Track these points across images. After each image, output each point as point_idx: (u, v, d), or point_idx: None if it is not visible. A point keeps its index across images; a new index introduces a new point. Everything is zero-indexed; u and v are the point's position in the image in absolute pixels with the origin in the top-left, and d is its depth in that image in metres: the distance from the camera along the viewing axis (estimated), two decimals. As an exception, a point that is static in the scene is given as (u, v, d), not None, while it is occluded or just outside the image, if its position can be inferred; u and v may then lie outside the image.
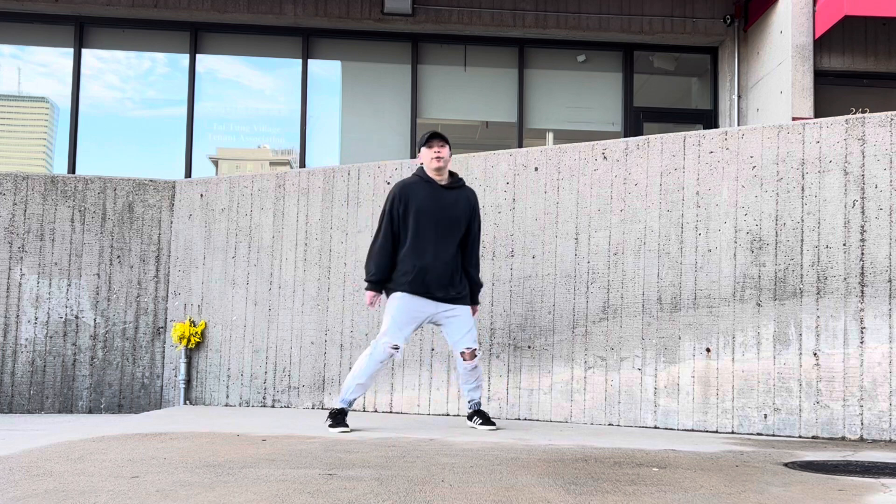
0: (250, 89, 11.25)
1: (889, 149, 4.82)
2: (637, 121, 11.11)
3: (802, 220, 4.99)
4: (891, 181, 4.80)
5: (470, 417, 5.13)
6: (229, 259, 6.83)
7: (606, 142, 5.68)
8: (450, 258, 4.90)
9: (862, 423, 4.71)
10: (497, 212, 5.93)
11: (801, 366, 4.90)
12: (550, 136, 11.27)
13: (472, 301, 5.09)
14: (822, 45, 9.76)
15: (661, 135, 5.52)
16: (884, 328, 4.72)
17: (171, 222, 7.10)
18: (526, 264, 5.76)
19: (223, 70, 11.19)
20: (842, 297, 4.84)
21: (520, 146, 10.72)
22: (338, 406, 4.95)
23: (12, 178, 7.03)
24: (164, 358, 7.02)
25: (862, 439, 4.70)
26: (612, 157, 5.62)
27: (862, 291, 4.80)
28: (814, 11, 9.51)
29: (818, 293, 4.90)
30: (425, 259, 4.84)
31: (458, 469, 3.43)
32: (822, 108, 9.55)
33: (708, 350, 5.18)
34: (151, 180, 7.16)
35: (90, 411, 6.93)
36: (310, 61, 11.01)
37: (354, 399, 4.96)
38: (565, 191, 5.74)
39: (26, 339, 6.90)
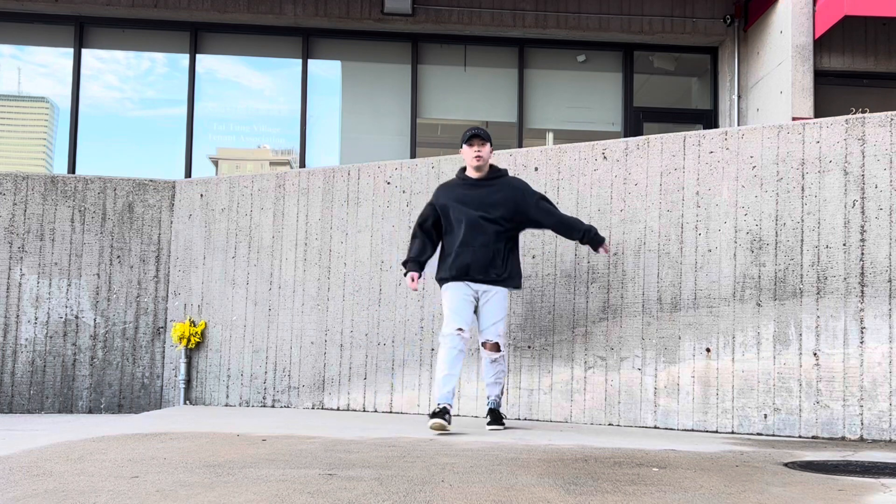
0: (250, 89, 11.25)
1: (889, 149, 4.82)
2: (637, 121, 11.11)
3: (802, 220, 4.99)
4: (891, 181, 4.80)
5: (487, 415, 5.12)
6: (229, 259, 6.83)
7: (606, 142, 5.68)
8: (487, 243, 4.95)
9: (862, 423, 4.71)
10: (497, 212, 5.93)
11: (801, 366, 4.90)
12: (550, 136, 11.27)
13: (597, 238, 5.02)
14: (822, 45, 9.76)
15: (661, 135, 5.52)
16: (884, 328, 4.72)
17: (171, 222, 7.11)
18: (526, 264, 5.76)
19: (223, 70, 11.19)
20: (842, 297, 4.84)
21: (520, 146, 10.72)
22: (436, 407, 4.83)
23: (12, 178, 7.03)
24: (164, 358, 7.02)
25: (862, 439, 4.70)
26: (612, 157, 5.62)
27: (862, 291, 4.80)
28: (814, 11, 9.51)
29: (818, 293, 4.90)
30: (461, 248, 4.96)
31: (458, 469, 3.43)
32: (822, 108, 9.55)
33: (708, 350, 5.18)
34: (151, 180, 7.16)
35: (90, 411, 6.93)
36: (310, 61, 11.01)
37: (449, 392, 4.84)
38: (565, 191, 5.74)
39: (26, 339, 6.90)
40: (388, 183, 6.34)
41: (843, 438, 4.75)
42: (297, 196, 6.65)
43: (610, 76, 11.31)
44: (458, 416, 5.89)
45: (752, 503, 2.84)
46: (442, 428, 4.69)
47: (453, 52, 11.17)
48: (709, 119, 11.14)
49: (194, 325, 6.84)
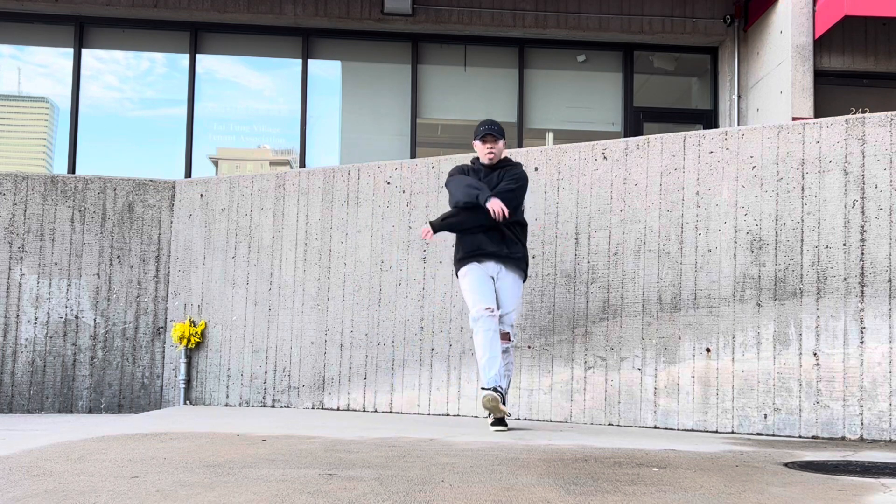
0: (250, 89, 11.25)
1: (889, 149, 4.82)
2: (637, 121, 11.11)
3: (802, 220, 4.99)
4: (891, 181, 4.80)
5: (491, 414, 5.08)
6: (229, 259, 6.83)
7: (606, 142, 5.68)
8: (496, 223, 4.95)
9: (862, 423, 4.71)
10: (497, 212, 5.93)
11: (801, 366, 4.90)
12: (550, 136, 11.27)
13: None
14: (822, 45, 9.76)
15: (661, 135, 5.52)
16: (884, 328, 4.72)
17: (171, 222, 7.10)
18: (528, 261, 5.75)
19: (223, 70, 11.19)
20: (842, 297, 4.84)
21: (520, 146, 10.72)
22: (487, 388, 4.81)
23: (12, 178, 7.03)
24: (164, 358, 7.02)
25: (862, 439, 4.70)
26: (612, 157, 5.62)
27: (862, 291, 4.80)
28: (814, 11, 9.51)
29: (818, 293, 4.90)
30: (475, 230, 5.02)
31: (458, 469, 3.43)
32: (822, 108, 9.55)
33: (708, 350, 5.18)
34: (151, 180, 7.16)
35: (90, 411, 6.93)
36: (310, 61, 11.01)
37: (495, 374, 4.82)
38: (565, 191, 5.74)
39: (26, 339, 6.90)
40: (388, 183, 6.34)
41: (843, 438, 4.75)
42: (297, 196, 6.64)
43: (610, 76, 11.31)
44: (458, 415, 5.89)
45: (752, 503, 2.84)
46: (495, 402, 4.70)
47: (453, 52, 11.17)
48: (709, 119, 11.14)
49: (194, 325, 6.84)
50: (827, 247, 4.91)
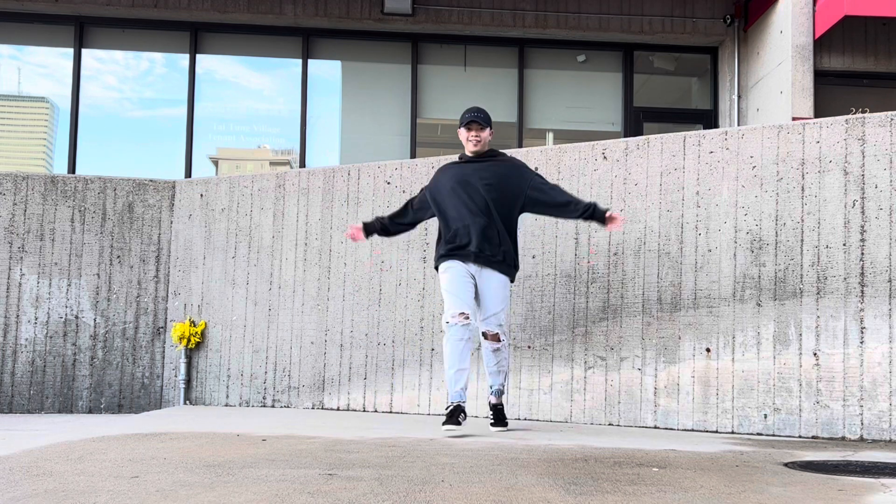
0: (250, 89, 11.25)
1: (889, 149, 4.82)
2: (637, 121, 11.11)
3: (802, 220, 4.99)
4: (891, 181, 4.80)
5: (491, 409, 4.91)
6: (229, 259, 6.83)
7: (606, 142, 5.68)
8: (483, 218, 4.73)
9: (862, 423, 4.71)
10: (497, 212, 5.93)
11: (801, 366, 4.90)
12: (550, 136, 11.27)
13: (595, 211, 4.73)
14: (822, 45, 9.76)
15: (661, 135, 5.52)
16: (884, 328, 4.72)
17: (171, 222, 7.10)
18: (526, 264, 5.75)
19: (223, 70, 11.19)
20: (842, 297, 4.84)
21: (520, 146, 10.73)
22: (449, 404, 4.67)
23: (12, 178, 7.03)
24: (164, 358, 7.02)
25: (862, 439, 4.70)
26: (612, 157, 5.62)
27: (862, 291, 4.80)
28: (814, 11, 9.51)
29: (818, 293, 4.90)
30: (455, 224, 4.79)
31: (458, 469, 3.43)
32: (822, 108, 9.55)
33: (708, 350, 5.18)
34: (151, 180, 7.16)
35: (90, 411, 6.93)
36: (310, 61, 11.01)
37: (461, 388, 4.66)
38: (565, 191, 5.73)
39: (26, 339, 6.90)
40: (388, 183, 6.34)
41: (843, 438, 4.75)
42: (297, 196, 6.65)
43: (610, 76, 11.31)
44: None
45: (752, 503, 2.84)
46: (453, 430, 4.54)
47: (453, 52, 11.17)
48: (709, 119, 11.14)
49: (194, 325, 6.84)
50: (827, 247, 4.91)
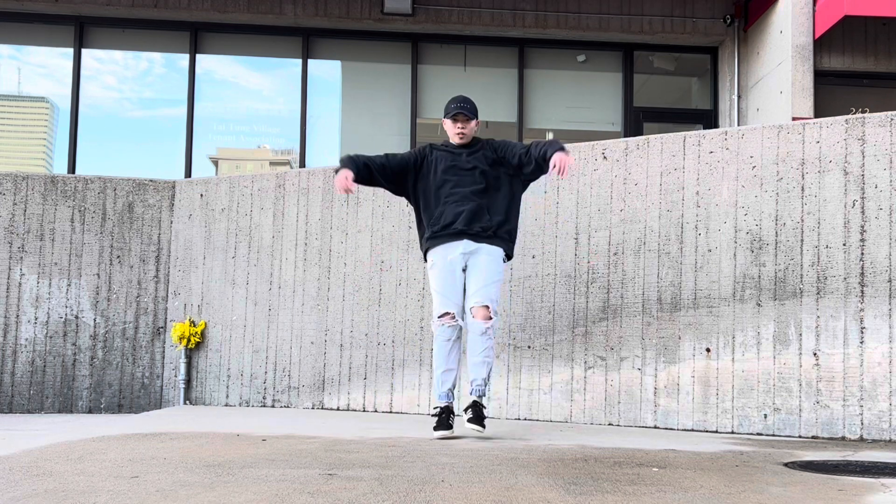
0: (250, 89, 11.26)
1: (889, 149, 4.82)
2: (637, 121, 11.12)
3: (802, 220, 4.99)
4: (891, 181, 4.80)
5: (466, 410, 4.55)
6: (229, 259, 6.83)
7: (606, 142, 5.68)
8: (471, 197, 4.58)
9: (862, 423, 4.71)
10: (497, 212, 5.93)
11: (801, 366, 4.90)
12: (550, 136, 11.27)
13: (551, 147, 4.49)
14: (822, 45, 9.76)
15: (661, 135, 5.52)
16: (884, 328, 4.72)
17: (171, 222, 7.11)
18: (526, 264, 5.76)
19: (223, 70, 11.19)
20: (842, 297, 4.84)
21: (520, 146, 10.71)
22: (436, 406, 4.55)
23: (12, 178, 7.03)
24: (164, 358, 7.02)
25: (862, 439, 4.70)
26: (612, 157, 5.62)
27: (862, 291, 4.80)
28: (814, 11, 9.51)
29: (818, 293, 4.90)
30: (443, 206, 4.62)
31: (458, 469, 3.43)
32: (822, 108, 9.55)
33: (708, 350, 5.18)
34: (151, 180, 7.16)
35: (90, 411, 6.93)
36: (310, 61, 11.01)
37: (448, 390, 4.52)
38: (565, 191, 5.74)
39: (26, 339, 6.90)
40: (388, 183, 6.33)
41: (843, 438, 4.75)
42: (297, 196, 6.65)
43: (610, 76, 11.31)
44: (458, 415, 5.89)
45: (752, 503, 2.84)
46: (446, 435, 4.42)
47: (453, 52, 11.17)
48: (709, 119, 11.14)
49: (194, 325, 6.84)
50: (827, 247, 4.91)
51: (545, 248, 5.76)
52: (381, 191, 6.36)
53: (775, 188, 5.09)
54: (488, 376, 4.58)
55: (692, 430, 5.16)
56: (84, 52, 10.83)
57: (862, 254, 4.82)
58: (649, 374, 5.33)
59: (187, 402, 6.88)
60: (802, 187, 5.01)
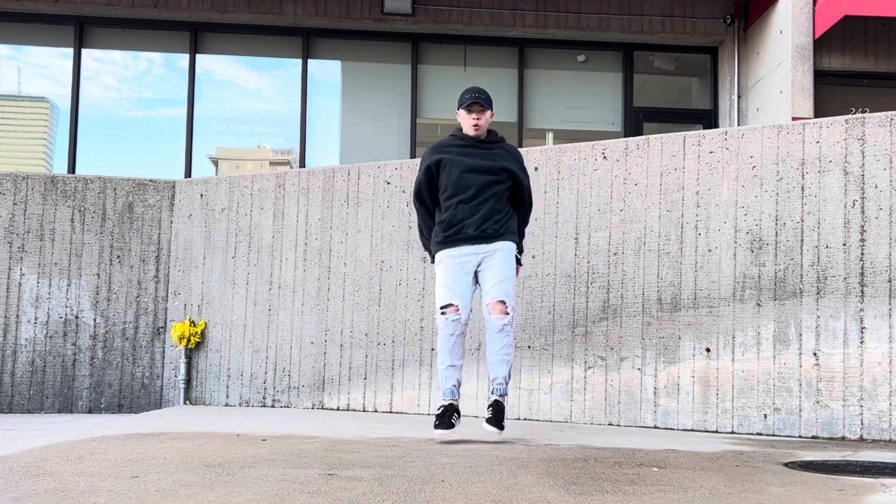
0: (250, 89, 11.25)
1: (889, 149, 4.82)
2: (637, 121, 11.11)
3: (802, 220, 4.99)
4: (891, 181, 4.80)
5: (488, 408, 4.51)
6: (229, 259, 6.83)
7: (606, 142, 5.68)
8: (485, 200, 4.52)
9: (862, 423, 4.71)
10: (497, 212, 5.93)
11: (801, 366, 4.90)
12: (550, 136, 11.27)
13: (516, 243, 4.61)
14: (822, 45, 9.76)
15: (661, 135, 5.52)
16: (884, 328, 4.72)
17: (171, 222, 7.10)
18: (526, 264, 5.75)
19: (223, 70, 11.19)
20: (842, 297, 4.84)
21: (520, 146, 10.72)
22: (441, 404, 4.50)
23: (12, 178, 7.03)
24: (164, 358, 7.02)
25: (862, 439, 4.70)
26: (612, 157, 5.62)
27: (862, 291, 4.80)
28: (814, 11, 9.51)
29: (818, 293, 4.90)
30: (457, 206, 4.54)
31: (458, 469, 3.43)
32: (822, 108, 9.55)
33: (708, 350, 5.18)
34: (151, 180, 7.16)
35: (90, 411, 6.93)
36: (310, 61, 11.01)
37: (452, 386, 4.48)
38: (565, 191, 5.74)
39: (26, 339, 6.90)
40: (388, 183, 6.34)
41: (843, 438, 4.75)
42: (297, 196, 6.65)
43: (610, 76, 11.31)
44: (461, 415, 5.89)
45: (752, 503, 2.84)
46: (444, 434, 4.38)
47: (453, 52, 11.17)
48: (709, 119, 11.14)
49: (194, 325, 6.84)
50: (827, 247, 4.91)
51: (545, 248, 5.76)
52: (381, 190, 6.36)
53: (775, 188, 5.09)
54: (509, 374, 4.53)
55: (692, 430, 5.16)
56: (84, 52, 10.83)
57: (862, 254, 4.82)
58: (649, 374, 5.33)
59: (187, 402, 6.88)
60: (802, 187, 5.01)
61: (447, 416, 4.42)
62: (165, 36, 10.94)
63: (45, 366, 6.90)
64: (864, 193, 4.85)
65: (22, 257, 6.94)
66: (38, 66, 11.13)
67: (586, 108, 11.29)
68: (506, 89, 11.10)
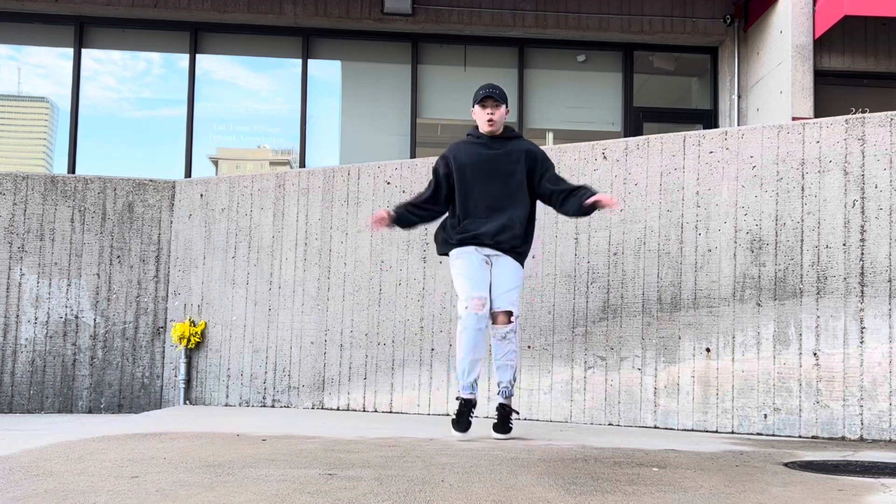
0: (250, 89, 11.25)
1: (889, 149, 4.82)
2: (637, 121, 11.11)
3: (802, 220, 4.99)
4: (891, 181, 4.80)
5: (497, 411, 4.58)
6: (229, 259, 6.83)
7: (606, 142, 5.68)
8: (503, 207, 4.54)
9: (862, 423, 4.71)
10: (497, 212, 5.93)
11: (801, 366, 4.90)
12: (550, 136, 11.27)
13: (589, 193, 4.46)
14: (822, 45, 9.76)
15: (661, 135, 5.52)
16: (884, 328, 4.72)
17: (171, 222, 7.11)
18: (526, 264, 5.74)
19: (223, 70, 11.19)
20: (842, 297, 4.84)
21: (520, 146, 10.71)
22: (459, 397, 4.53)
23: (12, 178, 7.03)
24: (164, 358, 7.02)
25: (862, 439, 4.70)
26: (612, 157, 5.62)
27: (862, 291, 4.80)
28: (814, 11, 9.51)
29: (818, 293, 4.90)
30: (472, 211, 4.56)
31: (457, 469, 3.43)
32: (822, 108, 9.55)
33: (708, 350, 5.18)
34: (151, 180, 7.16)
35: (90, 411, 6.93)
36: (310, 61, 11.01)
37: (474, 381, 4.49)
38: (565, 191, 5.73)
39: (26, 339, 6.90)
40: (388, 183, 6.34)
41: (843, 438, 4.75)
42: (297, 196, 6.65)
43: (610, 76, 11.31)
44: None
45: (752, 503, 2.84)
46: (463, 438, 4.39)
47: (453, 52, 11.17)
48: (709, 119, 11.14)
49: (194, 325, 6.84)
50: (827, 247, 4.91)
51: (545, 247, 5.76)
52: (381, 190, 6.36)
53: (775, 188, 5.09)
54: (514, 378, 4.59)
55: (692, 430, 5.16)
56: (84, 52, 10.83)
57: (862, 254, 4.82)
58: (649, 374, 5.33)
59: (187, 402, 6.88)
60: (802, 187, 5.01)
61: (466, 416, 4.48)
62: (165, 36, 10.94)
63: (45, 366, 6.90)
64: (864, 193, 4.85)
65: (22, 257, 6.94)
66: (38, 66, 11.13)
67: (586, 108, 11.29)
68: (506, 89, 11.04)
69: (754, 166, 5.16)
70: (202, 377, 6.85)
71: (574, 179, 5.71)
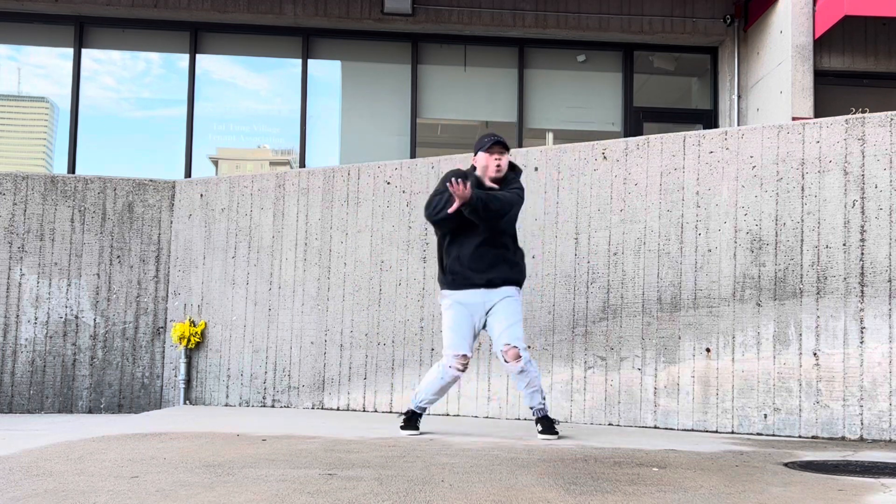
0: (250, 89, 11.25)
1: (889, 149, 4.82)
2: (637, 121, 11.11)
3: (802, 220, 4.99)
4: (891, 181, 4.80)
5: (536, 423, 4.70)
6: (229, 259, 6.83)
7: (606, 142, 5.68)
8: (489, 245, 4.61)
9: (862, 423, 4.71)
10: (497, 212, 5.92)
11: (801, 366, 4.90)
12: (550, 136, 11.27)
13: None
14: (822, 45, 9.75)
15: (661, 135, 5.52)
16: (884, 328, 4.72)
17: (171, 222, 7.10)
18: (526, 264, 5.75)
19: (223, 70, 11.19)
20: (842, 297, 4.84)
21: (520, 146, 10.72)
22: (411, 407, 4.79)
23: (12, 178, 7.03)
24: (164, 358, 7.02)
25: (862, 439, 4.70)
26: (612, 157, 5.62)
27: (862, 291, 4.80)
28: (814, 11, 9.51)
29: (818, 293, 4.90)
30: (462, 250, 4.64)
31: (457, 469, 3.43)
32: (822, 108, 9.55)
33: (708, 350, 5.18)
34: (151, 180, 7.16)
35: (90, 411, 6.93)
36: (310, 61, 11.00)
37: (429, 407, 4.85)
38: (565, 191, 5.74)
39: (26, 339, 6.90)
40: (388, 183, 6.34)
41: (843, 438, 4.75)
42: (297, 196, 6.65)
43: (610, 76, 11.30)
44: (457, 416, 5.89)
45: (752, 503, 2.84)
46: (413, 433, 4.68)
47: (453, 52, 11.16)
48: (709, 119, 11.13)
49: (194, 325, 6.84)
50: (827, 247, 4.91)
51: (545, 248, 5.76)
52: (381, 190, 6.36)
53: (775, 188, 5.09)
54: (543, 398, 4.70)
55: (692, 430, 5.16)
56: (84, 52, 10.82)
57: (862, 254, 4.82)
58: (649, 374, 5.33)
59: (187, 402, 6.88)
60: (802, 187, 5.01)
61: (416, 422, 4.79)
62: (165, 36, 10.93)
63: (45, 366, 6.90)
64: (864, 193, 4.85)
65: (22, 257, 6.94)
66: (38, 66, 11.13)
67: (586, 108, 11.28)
68: (506, 89, 11.10)
69: (754, 166, 5.16)
70: (202, 377, 6.84)
71: (574, 179, 5.71)
